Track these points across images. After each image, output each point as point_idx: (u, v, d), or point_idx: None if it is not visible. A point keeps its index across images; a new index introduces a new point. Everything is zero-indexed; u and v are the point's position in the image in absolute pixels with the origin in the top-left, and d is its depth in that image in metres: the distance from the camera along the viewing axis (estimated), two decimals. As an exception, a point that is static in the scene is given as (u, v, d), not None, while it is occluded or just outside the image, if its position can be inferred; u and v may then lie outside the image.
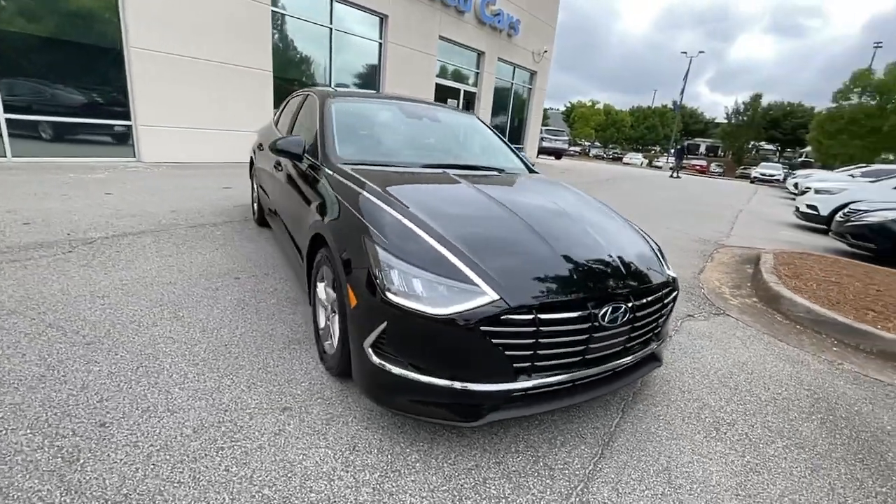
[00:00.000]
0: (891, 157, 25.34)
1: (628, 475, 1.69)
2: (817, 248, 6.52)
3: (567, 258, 1.82)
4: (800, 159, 47.70)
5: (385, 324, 1.58)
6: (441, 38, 12.93)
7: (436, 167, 2.80)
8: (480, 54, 14.78)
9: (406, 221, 1.85)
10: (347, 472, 1.56)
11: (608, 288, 1.76)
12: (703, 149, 54.56)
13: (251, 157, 4.75)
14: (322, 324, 2.25)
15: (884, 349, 2.98)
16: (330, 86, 10.36)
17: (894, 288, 3.94)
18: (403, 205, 1.98)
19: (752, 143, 53.30)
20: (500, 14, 14.35)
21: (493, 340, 1.52)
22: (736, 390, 2.39)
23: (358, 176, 2.32)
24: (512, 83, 17.07)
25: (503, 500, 1.51)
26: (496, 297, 1.54)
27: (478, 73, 15.05)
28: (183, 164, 8.28)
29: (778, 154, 55.95)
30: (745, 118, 50.62)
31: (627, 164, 42.12)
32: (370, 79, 11.60)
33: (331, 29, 10.25)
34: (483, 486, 1.56)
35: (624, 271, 1.88)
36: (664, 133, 55.62)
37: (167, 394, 1.86)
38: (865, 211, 6.16)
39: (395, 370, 1.60)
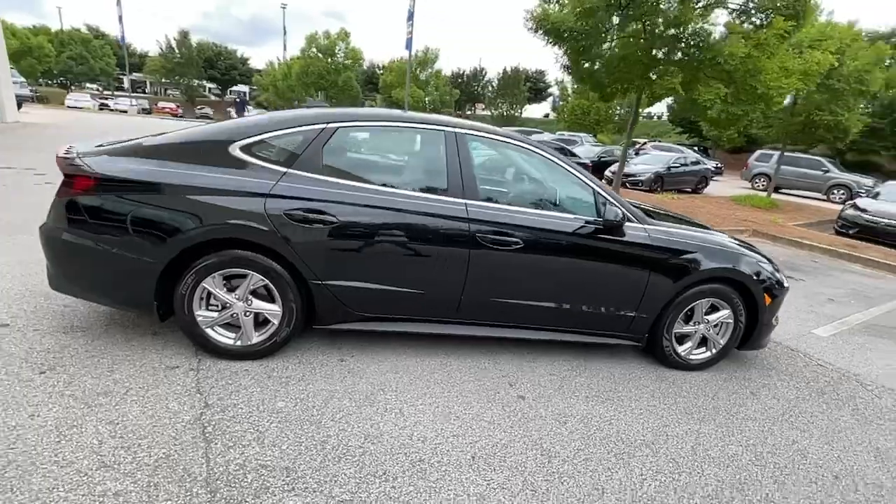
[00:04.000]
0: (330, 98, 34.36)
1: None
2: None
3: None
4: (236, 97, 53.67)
5: (777, 298, 2.96)
6: None
7: None
8: None
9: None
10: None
11: None
12: (127, 84, 47.87)
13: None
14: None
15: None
16: None
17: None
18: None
19: (195, 81, 54.24)
20: None
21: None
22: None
23: (676, 220, 3.23)
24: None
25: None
26: None
27: None
28: None
29: (221, 93, 60.32)
30: (180, 56, 50.07)
31: (73, 107, 32.54)
32: None
33: None
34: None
35: None
36: (99, 67, 46.71)
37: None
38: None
39: (774, 321, 3.06)
